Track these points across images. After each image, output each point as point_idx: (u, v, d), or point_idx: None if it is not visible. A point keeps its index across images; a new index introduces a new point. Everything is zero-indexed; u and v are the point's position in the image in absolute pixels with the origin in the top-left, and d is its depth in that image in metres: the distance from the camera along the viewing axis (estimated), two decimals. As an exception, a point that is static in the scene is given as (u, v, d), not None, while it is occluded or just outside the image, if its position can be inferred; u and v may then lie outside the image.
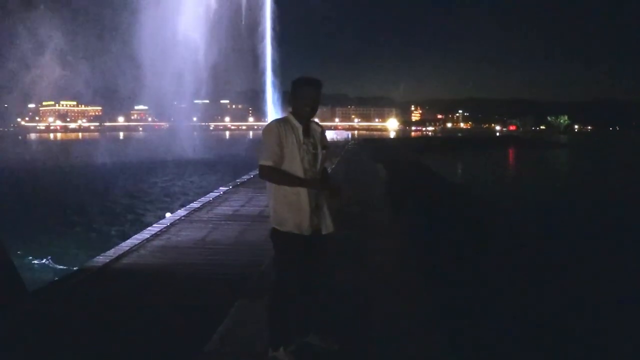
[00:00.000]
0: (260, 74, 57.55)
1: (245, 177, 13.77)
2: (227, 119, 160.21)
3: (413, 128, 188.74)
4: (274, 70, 58.92)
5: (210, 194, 10.52)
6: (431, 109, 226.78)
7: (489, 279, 5.02)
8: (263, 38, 55.29)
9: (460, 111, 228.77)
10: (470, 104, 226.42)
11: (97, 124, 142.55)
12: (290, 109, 2.68)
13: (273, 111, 61.94)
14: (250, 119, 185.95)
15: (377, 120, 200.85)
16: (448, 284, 4.69)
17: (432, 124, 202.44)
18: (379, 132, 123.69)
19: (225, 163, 26.22)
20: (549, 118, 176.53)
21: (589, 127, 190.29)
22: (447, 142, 61.13)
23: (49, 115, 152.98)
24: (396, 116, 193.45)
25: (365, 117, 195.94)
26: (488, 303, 4.42)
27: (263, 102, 63.40)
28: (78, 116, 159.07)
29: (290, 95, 2.66)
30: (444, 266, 5.15)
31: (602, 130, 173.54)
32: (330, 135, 43.20)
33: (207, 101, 45.64)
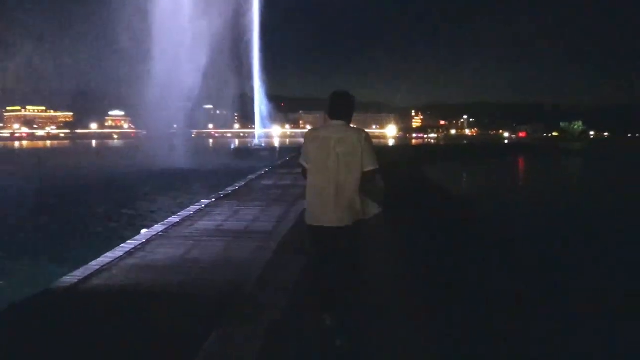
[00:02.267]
0: (247, 78, 57.87)
1: (229, 189, 13.77)
2: (210, 125, 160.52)
3: (414, 135, 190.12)
4: (262, 74, 59.27)
5: (192, 207, 10.50)
6: (433, 114, 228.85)
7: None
8: (250, 40, 55.66)
9: (465, 117, 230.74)
10: (476, 109, 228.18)
11: (68, 131, 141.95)
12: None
13: (260, 117, 62.23)
14: (236, 125, 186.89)
15: (374, 127, 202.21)
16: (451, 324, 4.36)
17: (435, 130, 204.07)
18: (377, 140, 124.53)
19: (206, 173, 26.16)
20: (561, 124, 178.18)
21: (606, 134, 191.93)
22: (450, 150, 61.56)
23: (14, 122, 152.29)
24: (395, 122, 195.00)
25: (362, 124, 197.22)
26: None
27: (250, 108, 63.70)
28: (46, 123, 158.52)
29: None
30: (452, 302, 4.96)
31: (620, 136, 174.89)
32: None
33: (190, 107, 45.42)
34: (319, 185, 3.65)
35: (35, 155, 39.06)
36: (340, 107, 3.75)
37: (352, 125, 3.77)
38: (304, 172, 3.81)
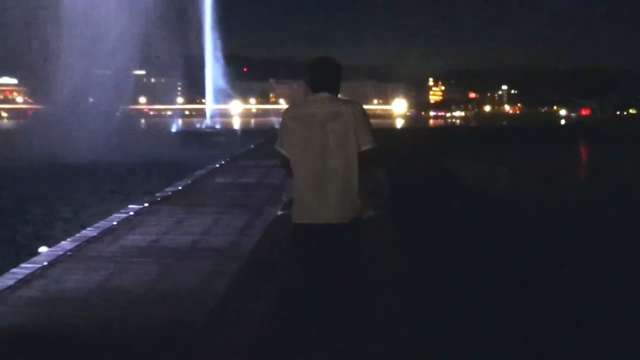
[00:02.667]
0: (196, 34, 57.74)
1: (169, 189, 13.83)
2: (142, 99, 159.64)
3: (432, 113, 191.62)
4: (216, 28, 59.19)
5: (115, 215, 10.51)
6: (460, 84, 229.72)
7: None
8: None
9: (504, 87, 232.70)
10: (519, 76, 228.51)
11: None
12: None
13: (214, 89, 62.11)
14: (180, 99, 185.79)
15: (376, 101, 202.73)
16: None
17: (462, 106, 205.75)
18: (380, 120, 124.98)
19: (134, 167, 26.06)
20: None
21: None
22: (484, 135, 62.16)
23: None
24: (406, 95, 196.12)
25: (360, 97, 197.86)
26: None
27: (199, 76, 63.60)
28: None
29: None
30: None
31: None
32: None
33: (110, 73, 45.08)
34: (310, 173, 3.88)
35: None
36: (325, 77, 4.03)
37: (340, 97, 4.05)
38: (284, 162, 4.06)
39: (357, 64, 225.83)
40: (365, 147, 3.87)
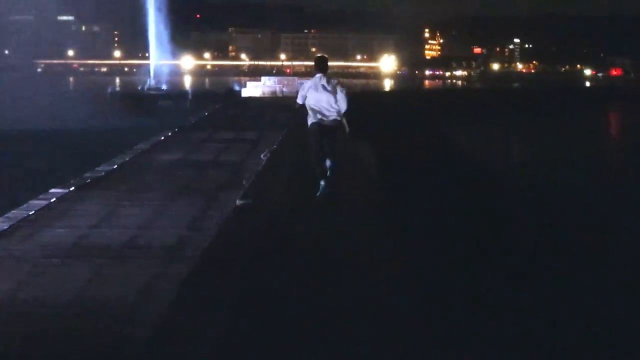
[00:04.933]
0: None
1: (102, 169, 13.75)
2: (70, 52, 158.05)
3: (428, 72, 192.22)
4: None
5: (31, 202, 10.37)
6: (462, 36, 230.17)
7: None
8: None
9: (516, 41, 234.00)
10: (534, 26, 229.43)
11: None
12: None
13: (158, 41, 61.57)
14: (117, 53, 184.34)
15: (359, 57, 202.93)
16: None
17: (465, 64, 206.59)
18: (364, 81, 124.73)
19: (58, 138, 25.81)
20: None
21: None
22: (490, 99, 62.41)
23: None
24: (396, 50, 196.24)
25: (338, 52, 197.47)
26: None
27: (140, 24, 62.99)
28: None
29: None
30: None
31: None
32: (267, 89, 48.87)
33: (31, 19, 44.58)
34: (317, 104, 10.94)
35: None
36: (320, 65, 11.34)
37: (328, 74, 11.35)
38: (300, 107, 11.23)
39: (335, 9, 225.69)
40: (340, 96, 11.00)
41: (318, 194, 10.71)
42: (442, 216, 11.29)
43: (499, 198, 17.18)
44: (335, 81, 11.16)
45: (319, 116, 10.82)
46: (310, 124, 10.95)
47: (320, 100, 10.82)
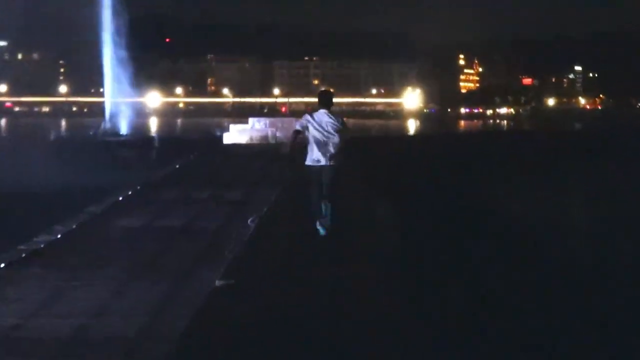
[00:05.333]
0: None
1: (42, 239, 13.74)
2: (1, 87, 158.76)
3: (463, 110, 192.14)
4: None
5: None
6: (506, 64, 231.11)
7: None
8: None
9: (577, 68, 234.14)
10: (600, 50, 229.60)
11: None
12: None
13: (114, 72, 61.92)
14: (62, 88, 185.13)
15: (374, 92, 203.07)
16: None
17: (511, 99, 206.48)
18: (381, 122, 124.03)
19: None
20: None
21: None
22: (544, 145, 62.40)
23: None
24: (421, 82, 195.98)
25: (348, 84, 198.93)
26: None
27: (92, 50, 63.50)
28: None
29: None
30: None
31: None
32: (256, 133, 48.33)
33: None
34: (317, 142, 13.91)
35: None
36: (323, 101, 14.44)
37: (331, 110, 14.38)
38: (299, 136, 14.26)
39: (343, 31, 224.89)
40: (343, 137, 14.05)
41: (321, 233, 13.73)
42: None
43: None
44: (340, 119, 14.15)
45: (318, 155, 13.79)
46: (308, 166, 13.95)
47: (322, 137, 13.80)
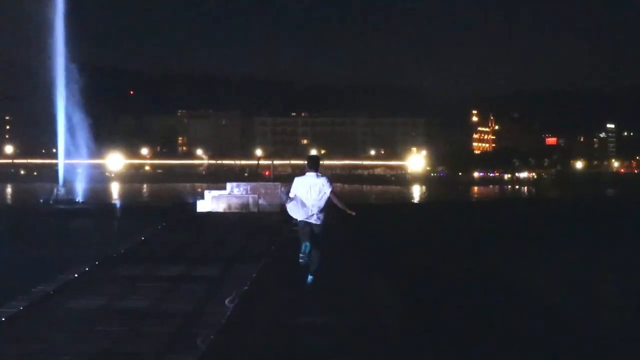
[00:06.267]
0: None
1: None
2: None
3: (477, 174, 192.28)
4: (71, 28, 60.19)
5: None
6: (527, 121, 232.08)
7: None
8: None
9: (610, 126, 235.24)
10: (636, 105, 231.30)
11: None
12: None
13: (68, 129, 62.02)
14: (8, 148, 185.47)
15: (373, 153, 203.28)
16: None
17: (533, 161, 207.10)
18: (380, 188, 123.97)
19: None
20: None
21: None
22: (578, 221, 62.40)
23: None
24: (428, 142, 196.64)
25: (342, 144, 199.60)
26: None
27: (44, 104, 63.84)
28: None
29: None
30: None
31: None
32: (235, 200, 47.52)
33: None
34: (305, 202, 18.61)
35: None
36: (312, 164, 18.93)
37: (319, 173, 19.02)
38: (288, 199, 19.07)
39: (335, 84, 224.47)
40: (329, 195, 18.60)
41: (308, 281, 18.45)
42: None
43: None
44: (326, 180, 18.49)
45: (307, 214, 18.30)
46: (299, 221, 18.52)
47: (309, 199, 18.22)
